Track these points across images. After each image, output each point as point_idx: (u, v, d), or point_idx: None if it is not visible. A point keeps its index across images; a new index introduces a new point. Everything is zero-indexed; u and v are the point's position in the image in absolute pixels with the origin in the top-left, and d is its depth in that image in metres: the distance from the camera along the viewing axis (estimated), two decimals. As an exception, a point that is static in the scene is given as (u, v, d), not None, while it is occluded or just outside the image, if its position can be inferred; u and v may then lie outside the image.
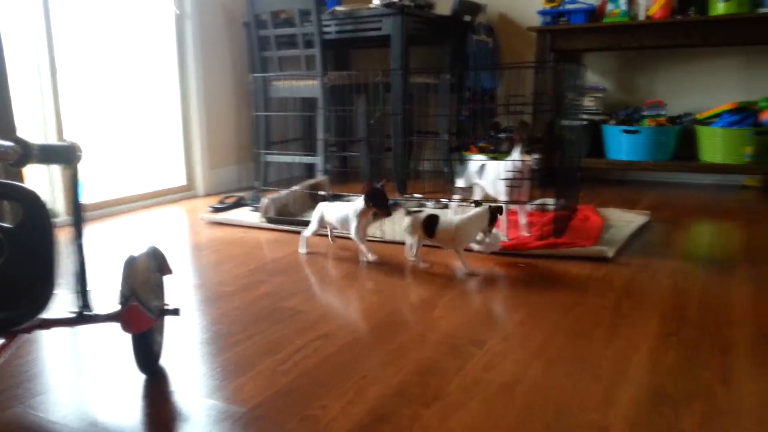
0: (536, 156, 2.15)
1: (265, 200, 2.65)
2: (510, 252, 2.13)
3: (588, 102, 3.47)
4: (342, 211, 2.12)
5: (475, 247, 2.06)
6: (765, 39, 3.02)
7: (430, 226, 1.95)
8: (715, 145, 3.15)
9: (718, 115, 3.16)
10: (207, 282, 1.90)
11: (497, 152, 3.62)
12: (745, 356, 1.32)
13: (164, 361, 1.34)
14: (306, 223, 2.29)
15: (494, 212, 1.96)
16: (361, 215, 2.06)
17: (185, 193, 3.43)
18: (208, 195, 3.42)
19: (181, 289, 1.84)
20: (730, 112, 3.12)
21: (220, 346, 1.42)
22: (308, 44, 3.13)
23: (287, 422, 1.09)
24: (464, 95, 3.68)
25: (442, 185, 3.20)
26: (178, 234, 2.57)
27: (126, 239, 2.49)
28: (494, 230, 2.01)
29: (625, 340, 1.41)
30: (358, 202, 2.06)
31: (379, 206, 2.02)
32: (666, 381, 1.22)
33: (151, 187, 3.24)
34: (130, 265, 1.19)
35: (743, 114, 3.09)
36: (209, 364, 1.33)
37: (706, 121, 3.22)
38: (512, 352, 1.36)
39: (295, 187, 2.85)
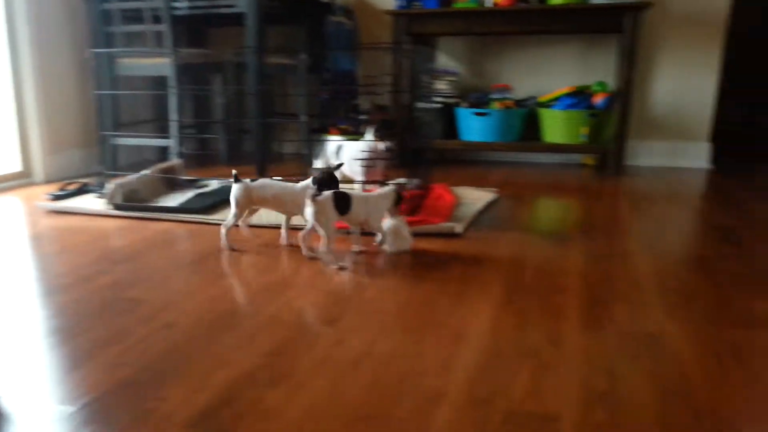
0: (386, 138, 2.19)
1: (111, 186, 2.49)
2: (364, 231, 2.16)
3: (442, 85, 3.59)
4: (281, 188, 1.96)
5: (387, 248, 1.95)
6: (597, 28, 3.28)
7: (342, 203, 1.83)
8: (555, 127, 3.39)
9: (557, 99, 3.40)
10: (45, 274, 1.76)
11: (358, 133, 3.67)
12: (573, 319, 1.44)
13: (-14, 363, 1.22)
14: (158, 209, 2.18)
15: (399, 193, 1.91)
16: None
17: (21, 180, 3.13)
18: (48, 182, 3.15)
19: (16, 282, 1.68)
20: (568, 95, 3.37)
21: (55, 341, 1.32)
22: (157, 19, 2.96)
23: (123, 417, 1.04)
24: (324, 76, 3.67)
25: (303, 167, 3.18)
26: (12, 224, 2.35)
27: (-53, 232, 2.24)
28: (399, 221, 1.94)
29: (468, 309, 1.49)
30: (304, 184, 1.95)
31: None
32: (502, 344, 1.30)
33: (-22, 174, 2.93)
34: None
35: (579, 97, 3.35)
36: (42, 361, 1.23)
37: (547, 104, 3.45)
38: (362, 328, 1.39)
39: (145, 171, 2.70)
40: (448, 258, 1.90)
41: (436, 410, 1.05)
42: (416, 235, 2.12)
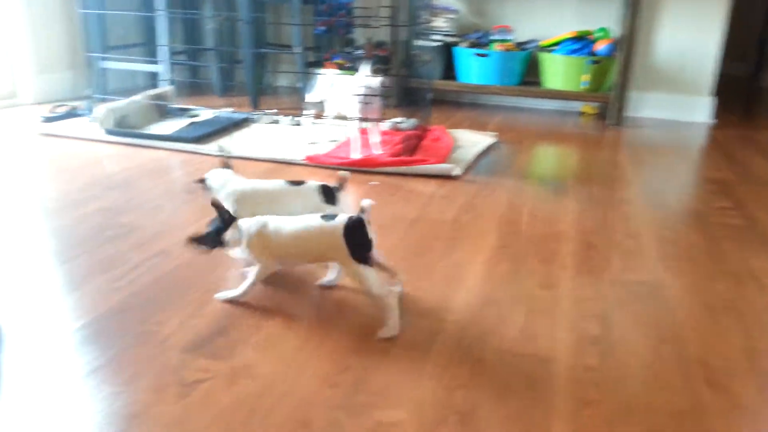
0: (383, 75, 2.13)
1: (101, 110, 2.43)
2: (360, 169, 2.14)
3: (441, 23, 3.49)
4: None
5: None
6: (605, -29, 3.19)
7: None
8: (556, 72, 3.33)
9: (559, 43, 3.33)
10: (35, 198, 1.73)
11: (353, 69, 3.59)
12: (567, 266, 1.45)
13: (-23, 282, 1.21)
14: (150, 137, 2.13)
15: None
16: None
17: (8, 100, 3.05)
18: (36, 103, 3.07)
19: (8, 205, 1.65)
20: (570, 40, 3.30)
21: (47, 264, 1.31)
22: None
23: (121, 339, 1.03)
24: (319, 8, 3.55)
25: (297, 101, 3.12)
26: (2, 146, 2.29)
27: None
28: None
29: (462, 253, 1.49)
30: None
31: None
32: (495, 288, 1.31)
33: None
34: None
35: (582, 43, 3.28)
36: (38, 283, 1.22)
37: (548, 49, 3.38)
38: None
39: (135, 97, 2.64)
40: (444, 200, 1.88)
41: (430, 347, 1.06)
42: (413, 175, 2.11)
